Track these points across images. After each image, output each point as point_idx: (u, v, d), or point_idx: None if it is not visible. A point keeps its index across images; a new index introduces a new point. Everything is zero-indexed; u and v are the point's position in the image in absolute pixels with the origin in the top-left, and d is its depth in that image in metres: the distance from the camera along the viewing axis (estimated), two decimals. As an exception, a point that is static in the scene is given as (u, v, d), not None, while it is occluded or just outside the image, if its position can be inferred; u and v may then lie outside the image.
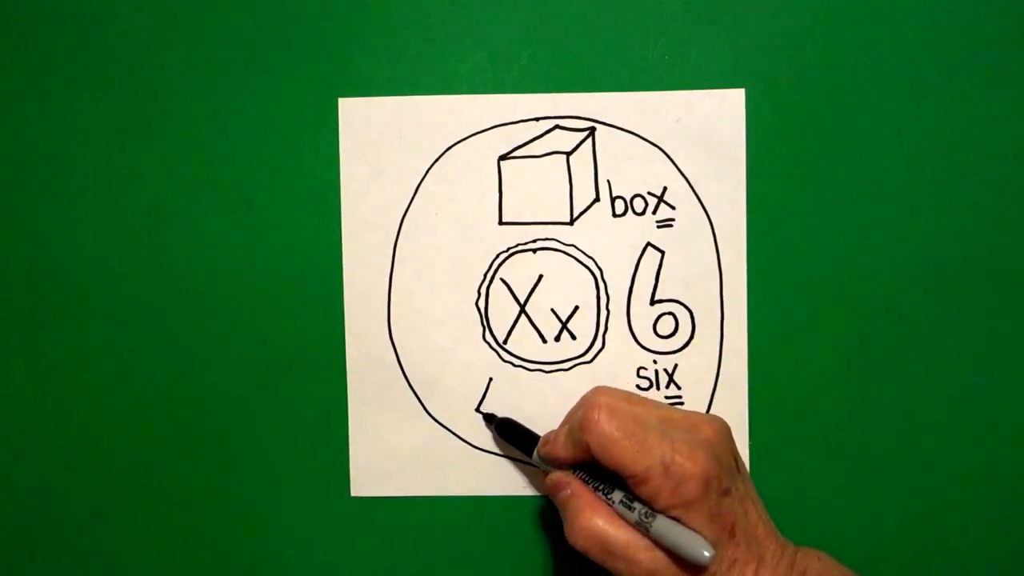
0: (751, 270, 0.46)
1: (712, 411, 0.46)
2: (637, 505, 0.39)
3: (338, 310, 0.47)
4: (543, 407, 0.46)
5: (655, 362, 0.46)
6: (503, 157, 0.46)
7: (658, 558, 0.38)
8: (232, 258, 0.47)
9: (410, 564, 0.47)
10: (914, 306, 0.45)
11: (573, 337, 0.46)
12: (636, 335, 0.46)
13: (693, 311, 0.46)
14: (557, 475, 0.42)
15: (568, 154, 0.46)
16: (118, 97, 0.46)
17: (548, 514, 0.47)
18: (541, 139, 0.46)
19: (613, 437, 0.39)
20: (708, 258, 0.46)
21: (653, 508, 0.38)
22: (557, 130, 0.46)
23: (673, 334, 0.46)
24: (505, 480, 0.47)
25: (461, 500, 0.47)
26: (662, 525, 0.38)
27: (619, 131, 0.46)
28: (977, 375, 0.45)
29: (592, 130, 0.46)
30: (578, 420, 0.40)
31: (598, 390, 0.44)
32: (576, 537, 0.39)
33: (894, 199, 0.45)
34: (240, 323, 0.47)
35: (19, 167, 0.47)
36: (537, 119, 0.46)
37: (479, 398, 0.47)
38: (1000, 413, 0.46)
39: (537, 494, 0.47)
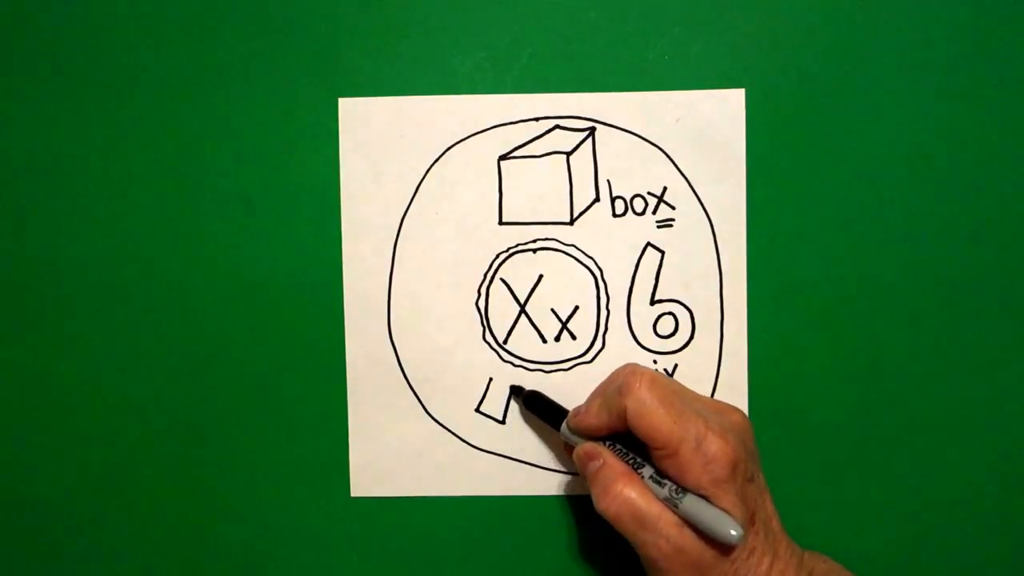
0: (751, 270, 0.46)
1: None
2: (667, 481, 0.39)
3: (338, 310, 0.47)
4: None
5: (655, 362, 0.46)
6: (503, 157, 0.46)
7: (686, 535, 0.38)
8: (232, 258, 0.47)
9: (410, 564, 0.47)
10: (914, 306, 0.45)
11: (573, 337, 0.46)
12: (636, 335, 0.46)
13: (693, 311, 0.46)
14: (588, 445, 0.42)
15: (568, 154, 0.46)
16: (118, 97, 0.46)
17: (548, 515, 0.47)
18: (541, 139, 0.46)
19: (652, 405, 0.39)
20: (708, 258, 0.46)
21: (681, 484, 0.38)
22: (557, 130, 0.46)
23: (673, 334, 0.46)
24: (505, 480, 0.47)
25: (461, 500, 0.47)
26: (692, 502, 0.38)
27: (619, 131, 0.46)
28: (977, 375, 0.45)
29: (592, 130, 0.46)
30: (617, 386, 0.40)
31: (635, 364, 0.44)
32: (608, 505, 0.39)
33: (894, 199, 0.45)
34: (240, 323, 0.47)
35: (19, 167, 0.47)
36: (537, 119, 0.46)
37: (479, 398, 0.47)
38: (1000, 413, 0.46)
39: (537, 494, 0.47)
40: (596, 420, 0.42)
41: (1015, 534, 0.46)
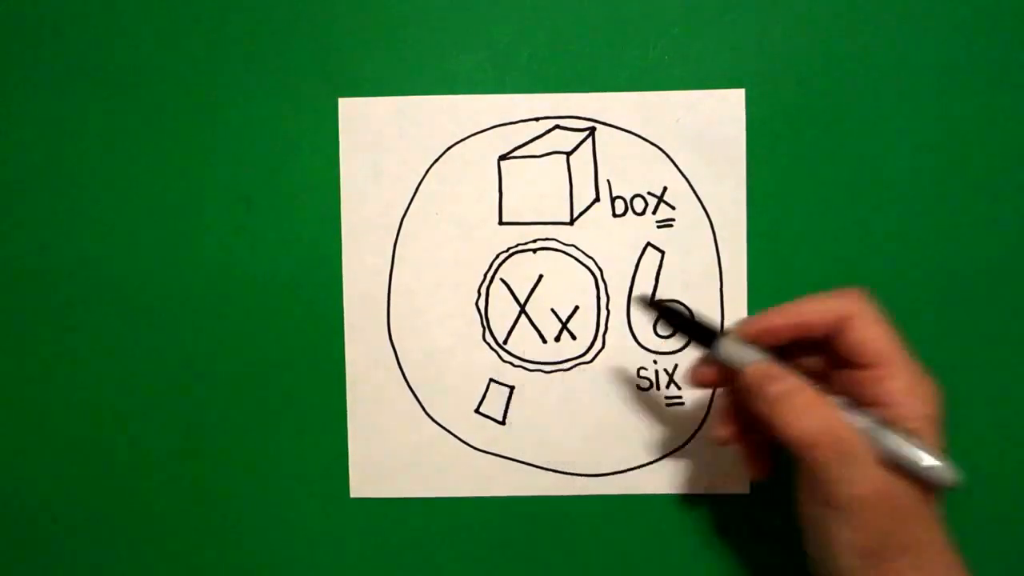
0: (751, 270, 0.46)
1: (712, 411, 0.46)
2: (867, 412, 0.34)
3: (338, 310, 0.47)
4: (543, 408, 0.46)
5: (655, 362, 0.46)
6: (503, 157, 0.46)
7: (889, 473, 0.33)
8: (232, 258, 0.47)
9: (409, 565, 0.47)
10: (913, 306, 0.45)
11: (573, 337, 0.46)
12: (636, 335, 0.46)
13: (693, 311, 0.46)
14: (766, 365, 0.36)
15: (568, 154, 0.46)
16: (118, 97, 0.46)
17: (548, 515, 0.47)
18: (541, 139, 0.46)
19: (882, 318, 0.35)
20: (708, 258, 0.46)
21: (886, 420, 0.34)
22: (557, 130, 0.46)
23: (673, 334, 0.46)
24: (504, 481, 0.47)
25: (460, 501, 0.47)
26: (900, 438, 0.33)
27: (619, 131, 0.46)
28: (977, 375, 0.45)
29: (592, 130, 0.46)
30: (839, 295, 0.36)
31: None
32: (805, 429, 0.33)
33: (894, 199, 0.45)
34: (240, 323, 0.47)
35: (19, 167, 0.47)
36: (537, 119, 0.46)
37: (479, 399, 0.47)
38: (1000, 413, 0.45)
39: (537, 494, 0.47)
40: (787, 319, 0.36)
41: (1015, 534, 0.46)
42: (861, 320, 0.35)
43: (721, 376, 0.39)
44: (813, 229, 0.45)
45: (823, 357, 0.38)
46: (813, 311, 0.36)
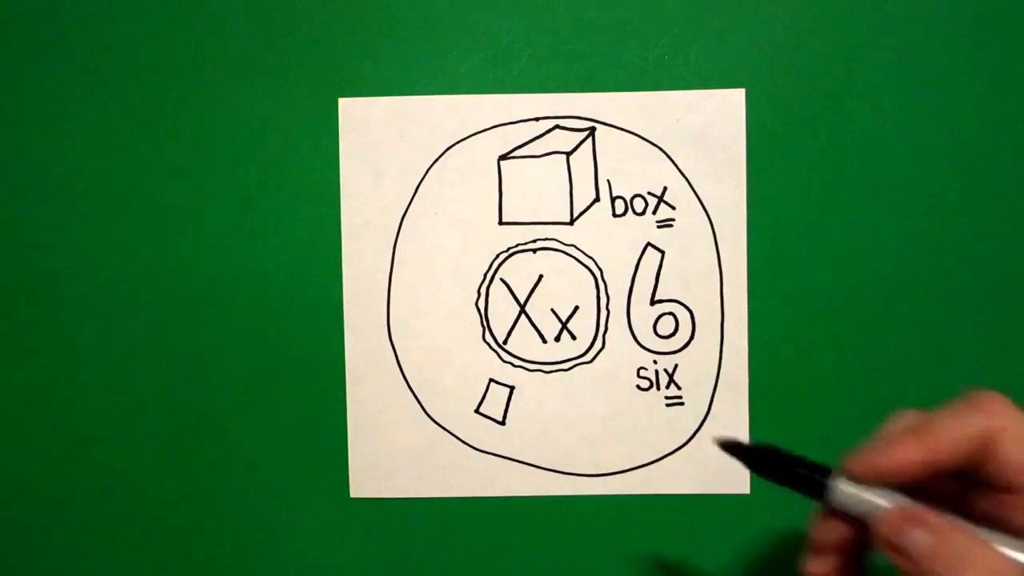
0: (751, 270, 0.46)
1: (712, 411, 0.46)
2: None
3: (338, 310, 0.46)
4: (543, 408, 0.46)
5: (655, 362, 0.46)
6: (503, 157, 0.46)
7: None
8: (232, 258, 0.47)
9: (409, 565, 0.47)
10: (914, 305, 0.45)
11: (573, 337, 0.46)
12: (636, 335, 0.46)
13: (693, 311, 0.46)
14: (908, 508, 0.30)
15: (568, 154, 0.46)
16: (118, 97, 0.46)
17: (548, 515, 0.47)
18: (541, 139, 0.46)
19: None
20: (708, 258, 0.46)
21: None
22: (557, 130, 0.46)
23: (673, 334, 0.46)
24: (504, 481, 0.47)
25: (460, 501, 0.47)
26: None
27: (619, 131, 0.46)
28: (977, 374, 0.45)
29: (592, 130, 0.46)
30: (976, 407, 0.30)
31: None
32: None
33: (894, 199, 0.45)
34: (240, 323, 0.47)
35: (19, 167, 0.47)
36: (537, 119, 0.46)
37: (479, 399, 0.47)
38: (1000, 413, 0.45)
39: (537, 495, 0.47)
40: (919, 453, 0.30)
41: (1016, 535, 0.46)
42: (1012, 437, 0.29)
43: (847, 529, 0.32)
44: (813, 229, 0.45)
45: (953, 478, 0.31)
46: (951, 439, 0.29)
